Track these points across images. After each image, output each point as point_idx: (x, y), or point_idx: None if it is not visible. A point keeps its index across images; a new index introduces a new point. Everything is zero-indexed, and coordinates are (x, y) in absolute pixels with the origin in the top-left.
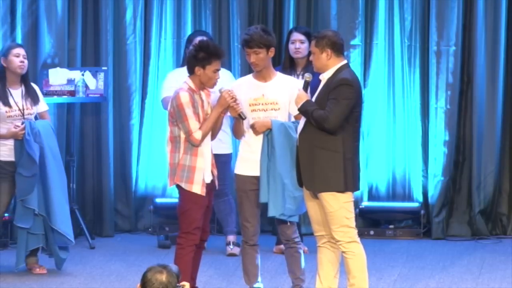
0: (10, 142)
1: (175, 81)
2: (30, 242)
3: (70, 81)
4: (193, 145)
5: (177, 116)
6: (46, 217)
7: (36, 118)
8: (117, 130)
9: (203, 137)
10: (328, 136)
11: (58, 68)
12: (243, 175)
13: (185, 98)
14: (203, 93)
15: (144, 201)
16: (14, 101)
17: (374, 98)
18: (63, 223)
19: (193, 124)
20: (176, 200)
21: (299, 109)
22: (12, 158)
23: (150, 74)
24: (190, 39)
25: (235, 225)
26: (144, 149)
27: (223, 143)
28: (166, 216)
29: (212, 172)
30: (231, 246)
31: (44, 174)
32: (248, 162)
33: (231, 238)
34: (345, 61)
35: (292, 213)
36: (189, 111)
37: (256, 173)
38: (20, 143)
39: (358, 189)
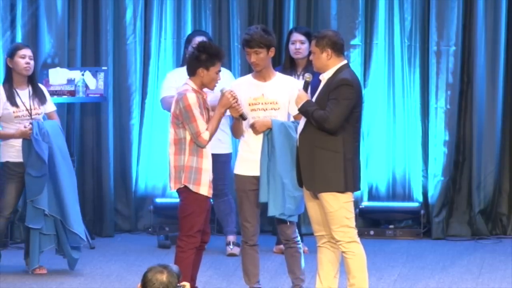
0: (18, 143)
1: (174, 81)
2: (42, 243)
3: (70, 81)
4: (200, 146)
5: (184, 118)
6: (61, 219)
7: (44, 118)
8: (117, 130)
9: (210, 137)
10: (329, 136)
11: (58, 68)
12: (243, 175)
13: (192, 99)
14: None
15: (144, 201)
16: (22, 101)
17: (374, 98)
18: (76, 222)
19: (202, 125)
20: (176, 200)
21: (299, 109)
22: (20, 159)
23: (150, 74)
24: (189, 39)
25: (235, 225)
26: (144, 149)
27: (222, 143)
28: (166, 216)
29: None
30: (231, 246)
31: (54, 174)
32: (247, 162)
33: (231, 238)
34: (345, 61)
35: (292, 212)
36: (197, 112)
37: (256, 173)
38: (28, 143)
39: (358, 189)
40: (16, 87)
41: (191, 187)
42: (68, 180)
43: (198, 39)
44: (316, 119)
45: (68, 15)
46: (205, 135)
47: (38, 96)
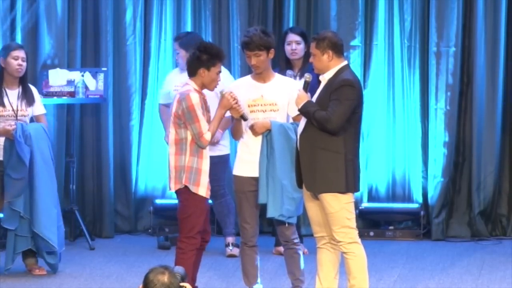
0: (1, 142)
1: (169, 82)
2: (18, 244)
3: (70, 82)
4: (201, 146)
5: (187, 118)
6: (32, 222)
7: (32, 120)
8: (117, 131)
9: (211, 138)
10: (330, 137)
11: (58, 69)
12: (242, 176)
13: (195, 99)
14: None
15: (144, 202)
16: (9, 102)
17: (374, 99)
18: (47, 228)
19: (204, 125)
20: (176, 201)
21: (299, 110)
22: (1, 158)
23: (150, 75)
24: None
25: (233, 226)
26: (144, 150)
27: (218, 144)
28: (166, 217)
29: None
30: (231, 248)
31: (32, 177)
32: (246, 163)
33: (230, 239)
34: (345, 62)
35: (291, 214)
36: (199, 113)
37: (255, 174)
38: (10, 143)
39: (358, 190)
40: (6, 86)
41: (191, 187)
42: (47, 184)
43: (200, 41)
44: (318, 119)
45: (68, 16)
46: (207, 135)
47: (27, 97)
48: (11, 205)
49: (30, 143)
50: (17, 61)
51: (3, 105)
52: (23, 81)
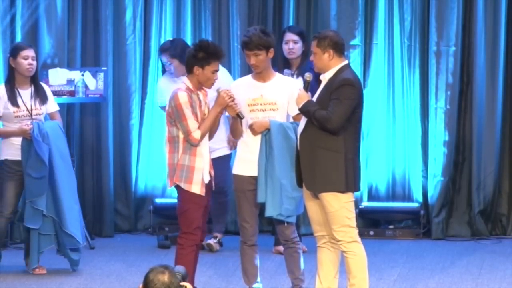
0: (18, 142)
1: (165, 93)
2: (41, 243)
3: (69, 81)
4: (192, 145)
5: (175, 116)
6: (57, 220)
7: (46, 118)
8: (117, 130)
9: (202, 136)
10: (330, 136)
11: (58, 69)
12: (242, 175)
13: (183, 98)
14: (200, 93)
15: (144, 201)
16: (23, 101)
17: (374, 99)
18: (71, 225)
19: (192, 124)
20: (176, 201)
21: (300, 109)
22: (19, 158)
23: (149, 74)
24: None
25: (224, 225)
26: (144, 149)
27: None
28: (165, 216)
29: (209, 172)
30: (215, 241)
31: (52, 175)
32: (246, 163)
33: (218, 235)
34: (346, 61)
35: (290, 213)
36: (187, 111)
37: (254, 173)
38: (27, 143)
39: (358, 189)
40: (18, 86)
41: (182, 185)
42: (67, 181)
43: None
44: (318, 119)
45: (68, 15)
46: (196, 134)
47: (40, 96)
48: (33, 204)
49: (47, 142)
50: (27, 60)
51: (17, 106)
52: (34, 80)
